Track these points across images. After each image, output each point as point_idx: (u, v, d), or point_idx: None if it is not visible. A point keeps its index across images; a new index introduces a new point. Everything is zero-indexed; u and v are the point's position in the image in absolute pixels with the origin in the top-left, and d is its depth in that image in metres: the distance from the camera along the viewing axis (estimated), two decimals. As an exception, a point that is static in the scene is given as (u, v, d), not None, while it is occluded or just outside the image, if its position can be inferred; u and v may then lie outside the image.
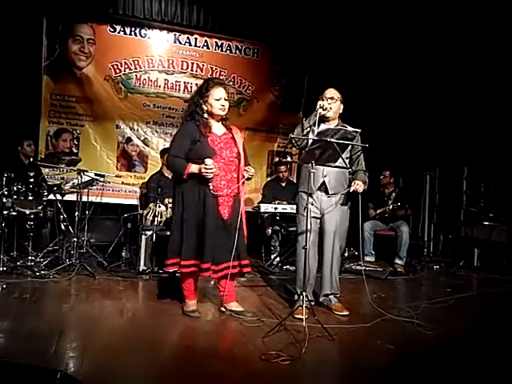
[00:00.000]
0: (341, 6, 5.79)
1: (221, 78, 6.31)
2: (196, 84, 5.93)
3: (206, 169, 2.77)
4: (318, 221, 3.22)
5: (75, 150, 5.78)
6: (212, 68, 6.33)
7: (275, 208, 5.03)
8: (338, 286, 3.29)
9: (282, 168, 5.66)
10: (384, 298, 3.79)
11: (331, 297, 3.28)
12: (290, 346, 2.48)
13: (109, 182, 5.61)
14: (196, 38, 6.23)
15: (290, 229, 4.98)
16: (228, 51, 6.41)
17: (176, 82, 6.20)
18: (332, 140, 2.64)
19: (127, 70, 5.99)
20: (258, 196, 6.27)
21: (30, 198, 4.25)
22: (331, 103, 3.18)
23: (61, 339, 2.47)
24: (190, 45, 6.23)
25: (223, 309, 3.09)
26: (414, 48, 5.87)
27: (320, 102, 3.13)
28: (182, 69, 6.21)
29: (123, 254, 4.84)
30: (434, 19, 5.47)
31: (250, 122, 6.52)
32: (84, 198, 4.67)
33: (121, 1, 5.59)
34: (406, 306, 3.40)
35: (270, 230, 5.20)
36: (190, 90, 6.13)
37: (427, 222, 6.45)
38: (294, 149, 6.16)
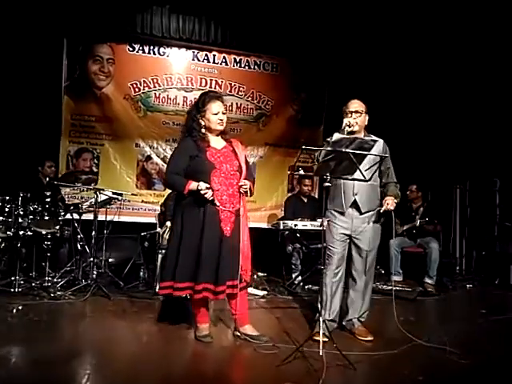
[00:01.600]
0: (360, 17, 5.65)
1: (240, 93, 6.28)
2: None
3: (201, 192, 2.68)
4: (348, 240, 3.03)
5: (95, 170, 5.81)
6: (231, 84, 6.28)
7: (295, 225, 4.82)
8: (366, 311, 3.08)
9: (307, 182, 5.48)
10: (413, 321, 3.53)
11: (354, 320, 3.06)
12: (307, 376, 2.29)
13: (128, 201, 5.59)
14: (214, 55, 6.21)
15: (312, 246, 4.79)
16: (246, 67, 6.36)
17: (195, 99, 6.09)
18: (348, 150, 2.46)
19: (146, 89, 6.00)
20: (280, 212, 6.12)
21: (47, 217, 4.23)
22: (356, 117, 2.98)
23: (70, 365, 2.38)
24: (209, 62, 6.21)
25: (238, 333, 2.92)
26: (442, 58, 5.65)
27: (345, 120, 2.90)
28: (200, 86, 6.17)
29: (141, 273, 4.75)
30: (457, 33, 5.26)
31: (269, 138, 6.43)
32: (102, 217, 4.62)
33: (139, 20, 5.63)
34: (437, 330, 3.14)
35: (290, 248, 5.01)
36: (209, 107, 6.09)
37: (458, 238, 6.14)
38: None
